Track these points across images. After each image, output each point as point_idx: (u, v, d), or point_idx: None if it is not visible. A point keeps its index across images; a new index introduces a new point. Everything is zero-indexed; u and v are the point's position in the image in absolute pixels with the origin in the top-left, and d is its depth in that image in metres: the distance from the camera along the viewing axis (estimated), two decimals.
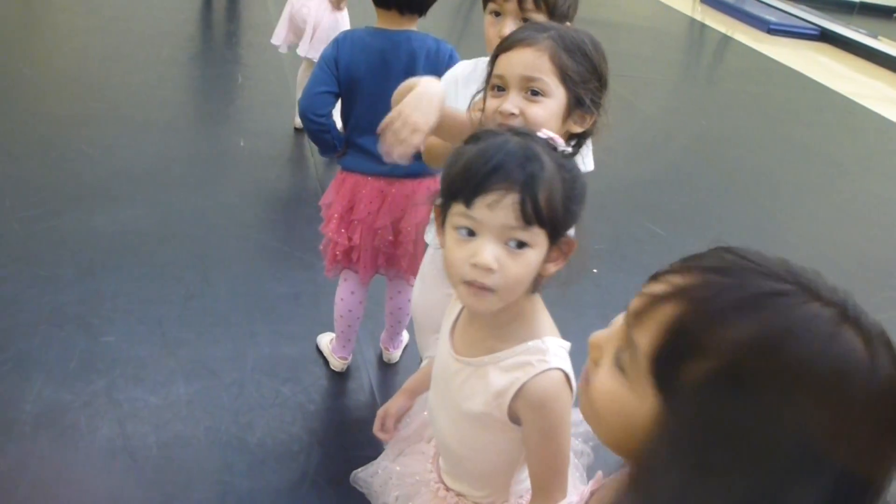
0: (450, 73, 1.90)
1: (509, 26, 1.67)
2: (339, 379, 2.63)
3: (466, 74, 1.85)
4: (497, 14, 1.72)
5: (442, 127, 1.51)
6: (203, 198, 3.62)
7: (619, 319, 0.76)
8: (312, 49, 4.17)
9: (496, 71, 1.44)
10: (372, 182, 2.33)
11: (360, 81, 2.25)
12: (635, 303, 0.73)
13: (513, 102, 1.41)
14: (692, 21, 9.95)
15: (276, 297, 3.00)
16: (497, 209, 1.07)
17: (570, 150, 1.19)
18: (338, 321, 2.56)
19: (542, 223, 1.09)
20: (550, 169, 1.10)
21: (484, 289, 1.10)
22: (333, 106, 2.31)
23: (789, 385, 0.61)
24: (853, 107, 7.18)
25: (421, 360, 2.02)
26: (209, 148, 4.12)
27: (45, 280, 2.87)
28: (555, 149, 1.15)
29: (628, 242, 3.73)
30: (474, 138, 1.17)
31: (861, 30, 9.72)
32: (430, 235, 1.99)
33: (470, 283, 1.11)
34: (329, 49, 2.28)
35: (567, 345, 1.21)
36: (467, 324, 1.26)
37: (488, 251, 1.08)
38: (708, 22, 9.81)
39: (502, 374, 1.17)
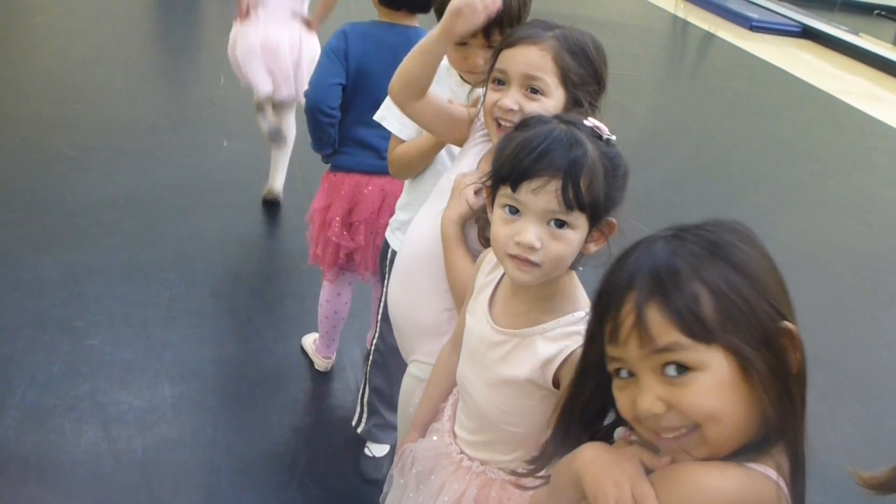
0: None
1: (480, 55, 1.70)
2: (325, 379, 2.63)
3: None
4: (462, 44, 1.73)
5: (429, 110, 1.58)
6: (186, 199, 3.60)
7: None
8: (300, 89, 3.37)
9: (499, 65, 1.48)
10: (374, 180, 2.31)
11: (369, 74, 2.22)
12: (630, 336, 0.85)
13: (512, 98, 1.45)
14: (675, 18, 9.99)
15: (261, 299, 2.99)
16: (541, 194, 1.15)
17: (613, 137, 1.24)
18: (323, 322, 2.55)
19: (582, 208, 1.16)
20: (593, 156, 1.17)
21: (528, 263, 1.18)
22: (342, 99, 2.28)
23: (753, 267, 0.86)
24: (836, 103, 7.23)
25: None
26: (192, 149, 4.10)
27: (28, 283, 2.84)
28: (599, 137, 1.22)
29: (612, 240, 3.72)
30: (524, 125, 1.24)
31: (842, 26, 9.79)
32: (396, 241, 1.96)
33: (514, 257, 1.19)
34: (336, 40, 2.23)
35: None
36: (509, 298, 1.33)
37: (531, 231, 1.16)
38: (691, 19, 9.86)
39: (550, 343, 1.25)
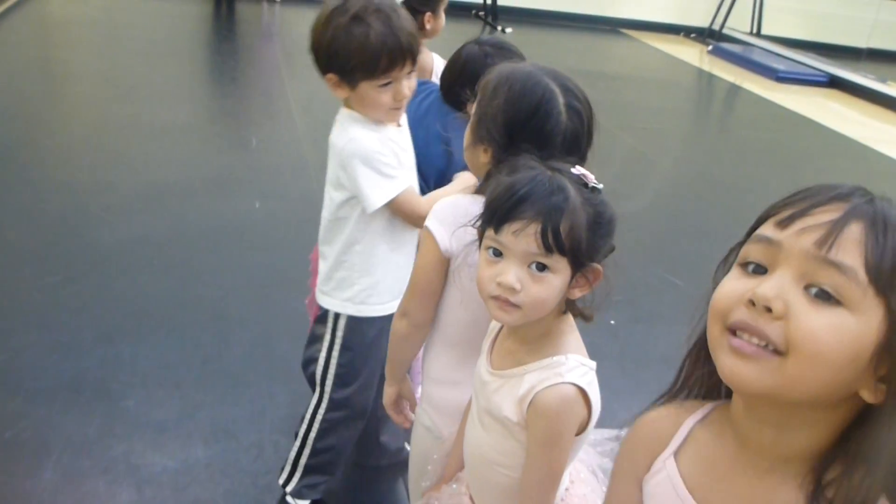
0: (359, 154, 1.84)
1: (405, 84, 1.77)
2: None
3: (376, 149, 1.81)
4: (387, 83, 1.76)
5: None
6: (220, 260, 3.65)
7: (750, 283, 0.82)
8: None
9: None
10: None
11: None
12: (811, 236, 0.78)
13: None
14: (700, 72, 10.05)
15: (293, 358, 2.99)
16: (521, 236, 1.17)
17: (600, 186, 1.25)
18: None
19: (562, 252, 1.18)
20: (575, 202, 1.18)
21: (509, 304, 1.20)
22: None
23: None
24: (865, 151, 7.18)
25: None
26: (225, 211, 4.17)
27: (66, 346, 2.89)
28: (585, 185, 1.23)
29: (644, 293, 3.70)
30: (512, 169, 1.25)
31: (870, 75, 9.77)
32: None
33: (496, 298, 1.21)
34: None
35: (592, 364, 1.28)
36: (503, 339, 1.35)
37: (511, 273, 1.18)
38: (716, 72, 9.91)
39: (525, 384, 1.26)
